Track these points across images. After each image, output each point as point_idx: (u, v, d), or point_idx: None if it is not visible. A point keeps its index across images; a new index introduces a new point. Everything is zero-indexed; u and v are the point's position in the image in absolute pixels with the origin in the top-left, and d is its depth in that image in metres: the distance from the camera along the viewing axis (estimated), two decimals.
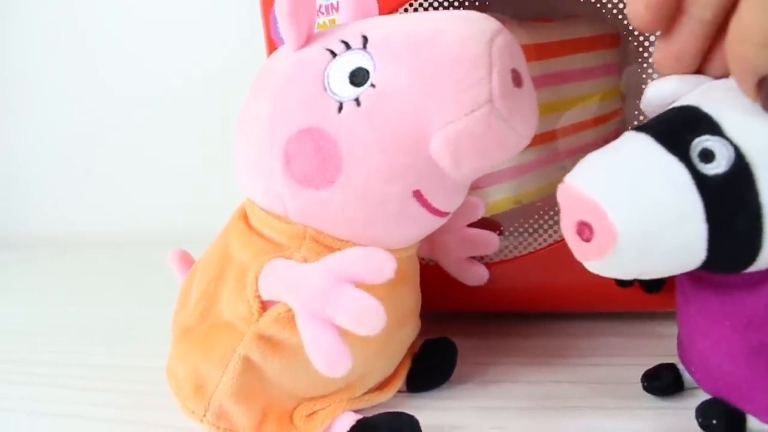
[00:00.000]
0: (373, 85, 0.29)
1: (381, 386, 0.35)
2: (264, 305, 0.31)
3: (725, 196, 0.25)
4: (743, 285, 0.28)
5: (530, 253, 0.39)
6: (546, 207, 0.39)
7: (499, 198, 0.39)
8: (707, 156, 0.25)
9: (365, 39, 0.30)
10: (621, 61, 0.43)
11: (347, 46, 0.30)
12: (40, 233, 0.85)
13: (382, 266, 0.27)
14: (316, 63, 0.30)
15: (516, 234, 0.39)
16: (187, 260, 0.39)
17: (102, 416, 0.38)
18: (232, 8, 0.72)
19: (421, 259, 0.40)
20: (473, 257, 0.39)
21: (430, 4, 0.38)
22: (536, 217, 0.39)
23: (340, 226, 0.31)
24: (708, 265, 0.27)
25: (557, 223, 0.39)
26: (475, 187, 0.39)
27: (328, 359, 0.28)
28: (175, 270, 0.39)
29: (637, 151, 0.27)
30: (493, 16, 0.29)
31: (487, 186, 0.39)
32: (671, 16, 0.28)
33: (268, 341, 0.31)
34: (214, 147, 0.64)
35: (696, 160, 0.25)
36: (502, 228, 0.40)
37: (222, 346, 0.31)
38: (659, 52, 0.29)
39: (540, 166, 0.40)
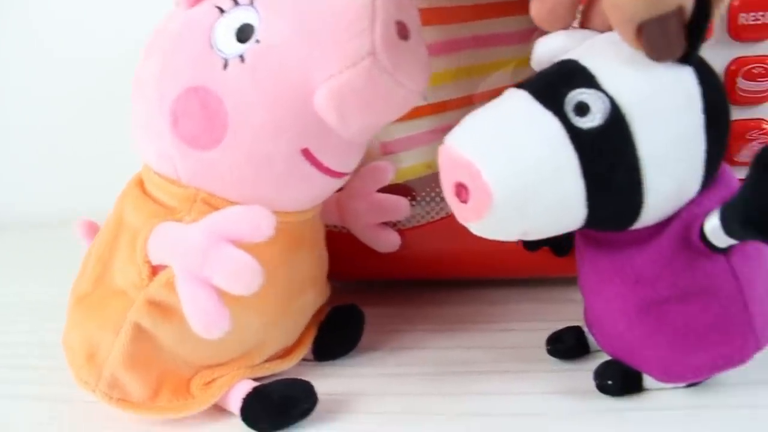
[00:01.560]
0: (257, 41, 0.28)
1: (283, 354, 0.35)
2: (154, 270, 0.30)
3: (601, 149, 0.25)
4: (632, 242, 0.28)
5: (442, 218, 0.38)
6: None
7: (412, 164, 0.38)
8: (582, 109, 0.25)
9: None
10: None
11: (235, 2, 0.29)
12: None
13: (260, 224, 0.27)
14: (204, 21, 0.30)
15: (428, 199, 0.39)
16: (93, 230, 0.38)
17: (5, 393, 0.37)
18: None
19: (332, 227, 0.39)
20: (385, 223, 0.39)
21: None
22: None
23: (230, 187, 0.30)
24: (591, 222, 0.26)
25: None
26: (387, 152, 0.38)
27: (205, 320, 0.27)
28: (82, 240, 0.38)
29: (513, 107, 0.26)
30: None
31: (400, 151, 0.38)
32: None
33: (158, 307, 0.30)
34: None
35: (571, 114, 0.25)
36: (414, 194, 0.39)
37: (113, 312, 0.31)
38: (533, 6, 0.28)
39: None
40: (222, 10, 0.29)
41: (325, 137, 0.29)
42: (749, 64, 0.34)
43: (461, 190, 0.25)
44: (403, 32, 0.28)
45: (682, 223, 0.27)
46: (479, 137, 0.26)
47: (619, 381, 0.31)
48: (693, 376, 0.30)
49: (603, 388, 0.31)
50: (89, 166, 0.71)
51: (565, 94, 0.25)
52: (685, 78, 0.25)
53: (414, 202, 0.39)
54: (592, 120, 0.25)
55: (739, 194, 0.24)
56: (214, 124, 0.29)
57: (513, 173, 0.25)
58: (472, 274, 0.42)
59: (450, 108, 0.38)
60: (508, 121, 0.26)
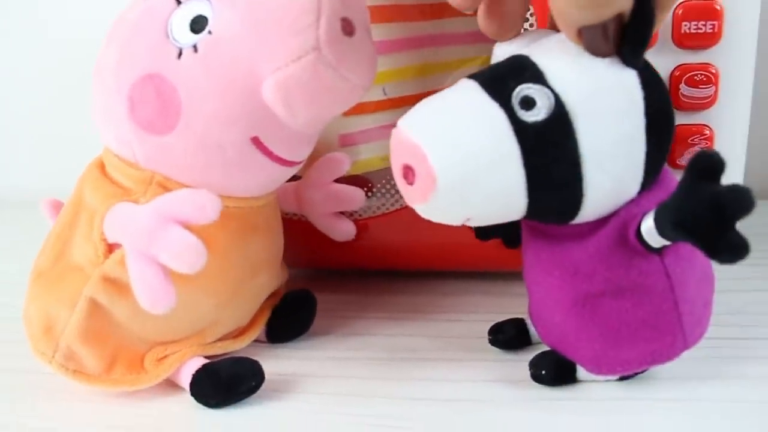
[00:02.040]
0: (210, 32, 0.30)
1: (237, 335, 0.36)
2: (110, 248, 0.31)
3: (543, 143, 0.26)
4: (573, 236, 0.29)
5: (397, 210, 0.40)
6: None
7: (370, 156, 0.40)
8: (528, 103, 0.26)
9: None
10: None
11: None
12: None
13: (205, 206, 0.28)
14: (161, 11, 0.31)
15: (383, 191, 0.40)
16: (58, 209, 0.39)
17: None
18: None
19: (291, 215, 0.41)
20: (341, 213, 0.40)
21: None
22: None
23: (184, 171, 0.31)
24: (533, 213, 0.28)
25: None
26: (346, 144, 0.39)
27: (151, 295, 0.29)
28: (48, 219, 0.39)
29: (462, 96, 0.27)
30: None
31: (358, 144, 0.39)
32: None
33: (113, 283, 0.31)
34: None
35: (517, 107, 0.26)
36: (371, 185, 0.40)
37: (70, 287, 0.32)
38: (481, 22, 0.29)
39: None
40: (179, 1, 0.31)
41: (275, 127, 0.30)
42: (692, 71, 0.35)
43: (408, 173, 0.27)
44: (348, 29, 0.29)
45: (621, 221, 0.28)
46: (428, 122, 0.27)
47: (553, 371, 0.32)
48: (623, 370, 0.31)
49: (537, 377, 0.32)
50: (62, 147, 0.70)
51: (513, 88, 0.26)
52: (629, 81, 0.26)
53: (370, 194, 0.40)
54: (537, 114, 0.26)
55: (672, 197, 0.25)
56: (168, 111, 0.30)
57: (456, 159, 0.26)
58: (426, 266, 0.43)
59: (409, 103, 0.39)
60: (457, 109, 0.27)
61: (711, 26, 0.34)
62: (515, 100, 0.26)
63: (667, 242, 0.27)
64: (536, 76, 0.26)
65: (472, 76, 0.28)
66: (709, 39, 0.34)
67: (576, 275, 0.29)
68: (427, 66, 0.40)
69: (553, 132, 0.26)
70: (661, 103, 0.27)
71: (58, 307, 0.32)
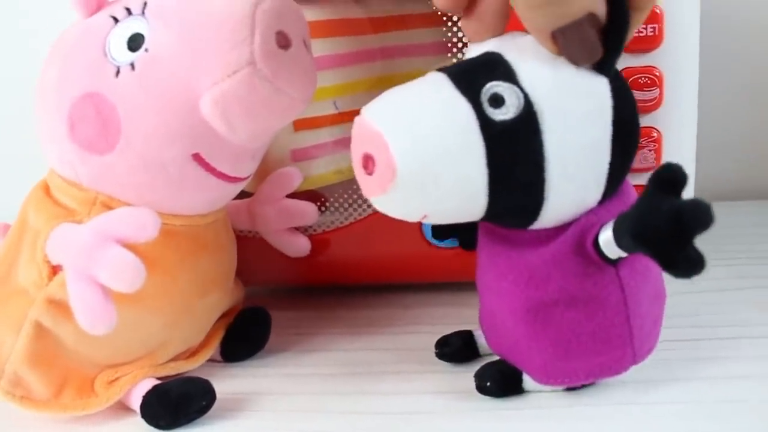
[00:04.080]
0: (146, 50, 0.30)
1: (189, 355, 0.36)
2: (54, 270, 0.31)
3: (508, 142, 0.26)
4: (531, 242, 0.29)
5: (351, 224, 0.40)
6: None
7: (324, 171, 0.40)
8: (497, 101, 0.26)
9: (145, 5, 0.30)
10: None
11: (129, 12, 0.31)
12: None
13: (145, 224, 0.28)
14: (99, 30, 0.31)
15: (336, 205, 0.40)
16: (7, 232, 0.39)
17: None
18: None
19: (247, 232, 0.40)
20: (296, 229, 0.40)
21: None
22: (355, 187, 0.40)
23: (127, 190, 0.31)
24: (492, 214, 0.27)
25: None
26: (298, 159, 0.39)
27: (91, 316, 0.28)
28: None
29: (429, 88, 0.27)
30: None
31: (310, 158, 0.39)
32: None
33: (58, 306, 0.31)
34: None
35: (485, 104, 0.26)
36: (324, 200, 0.40)
37: (15, 311, 0.31)
38: (463, 23, 0.29)
39: None
40: (116, 20, 0.31)
41: (216, 143, 0.30)
42: (635, 75, 0.35)
43: (368, 162, 0.26)
44: (283, 42, 0.29)
45: (579, 230, 0.28)
46: (392, 111, 0.26)
47: (498, 382, 0.31)
48: (570, 381, 0.30)
49: (482, 388, 0.32)
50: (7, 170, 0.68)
51: (483, 84, 0.26)
52: (600, 88, 0.26)
53: (324, 208, 0.40)
54: (505, 113, 0.26)
55: (633, 207, 0.24)
56: (108, 130, 0.30)
57: (418, 150, 0.25)
58: (382, 279, 0.43)
59: None
60: (423, 100, 0.26)
61: (652, 29, 0.34)
62: (484, 97, 0.26)
63: (623, 254, 0.26)
64: (507, 74, 0.26)
65: (441, 69, 0.27)
66: (651, 42, 0.35)
67: (530, 281, 0.29)
68: (379, 79, 0.40)
69: (519, 132, 0.26)
70: (628, 114, 0.27)
71: (3, 331, 0.32)
